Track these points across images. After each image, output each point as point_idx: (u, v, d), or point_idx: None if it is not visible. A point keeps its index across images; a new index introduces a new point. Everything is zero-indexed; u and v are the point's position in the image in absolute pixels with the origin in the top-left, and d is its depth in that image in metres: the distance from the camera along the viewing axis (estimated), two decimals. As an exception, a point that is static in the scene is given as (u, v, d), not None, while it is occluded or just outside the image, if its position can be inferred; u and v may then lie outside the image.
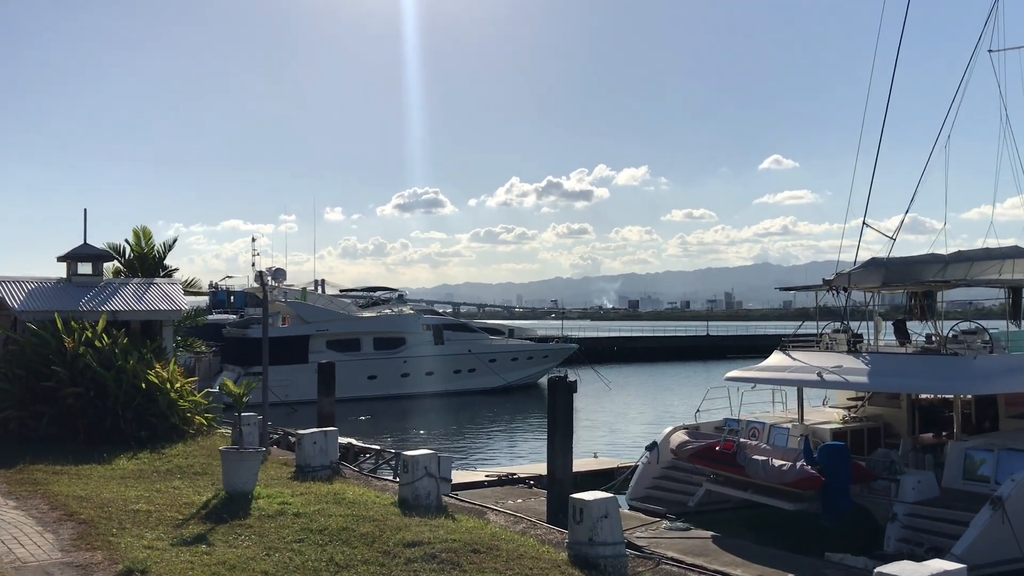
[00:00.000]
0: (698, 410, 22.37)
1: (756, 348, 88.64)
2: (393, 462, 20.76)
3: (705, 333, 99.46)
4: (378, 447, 22.63)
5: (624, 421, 39.98)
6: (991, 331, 19.28)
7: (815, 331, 22.49)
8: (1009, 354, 18.73)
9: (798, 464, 16.74)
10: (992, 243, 22.58)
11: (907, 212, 24.01)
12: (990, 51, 24.25)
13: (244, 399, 13.15)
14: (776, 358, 21.43)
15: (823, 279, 21.16)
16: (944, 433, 20.00)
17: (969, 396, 18.76)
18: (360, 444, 22.91)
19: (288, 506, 11.50)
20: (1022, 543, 14.73)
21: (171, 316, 22.55)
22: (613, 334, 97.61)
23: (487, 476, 22.38)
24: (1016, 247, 22.31)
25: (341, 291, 58.39)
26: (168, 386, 18.30)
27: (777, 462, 17.10)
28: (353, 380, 43.61)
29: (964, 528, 14.95)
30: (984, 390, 18.02)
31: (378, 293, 57.64)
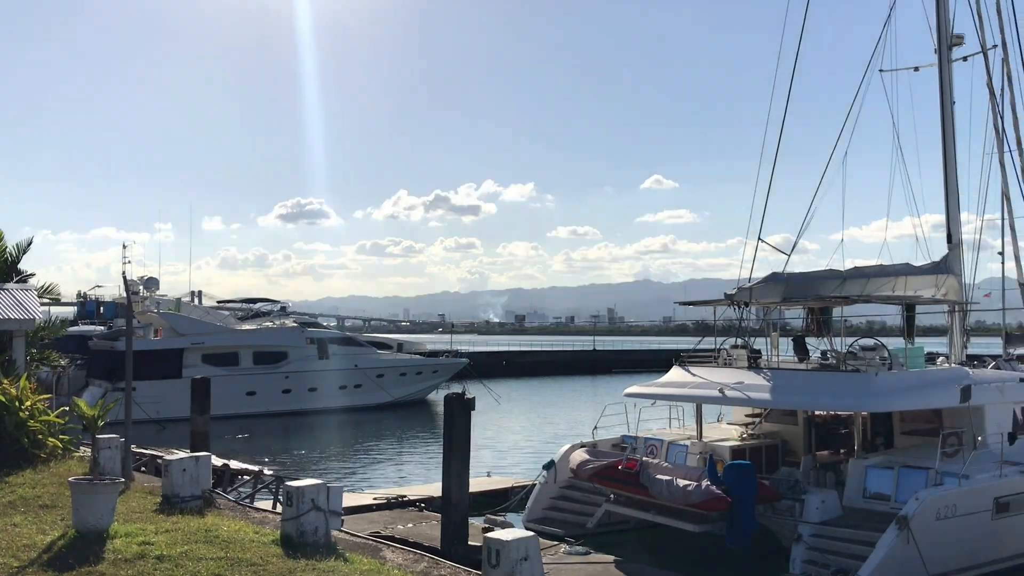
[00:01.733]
0: (596, 427, 21.65)
1: (641, 363, 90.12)
2: (273, 486, 19.22)
3: (592, 348, 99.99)
4: (257, 469, 21.01)
5: (516, 438, 39.12)
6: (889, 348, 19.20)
7: (713, 346, 22.10)
8: (907, 371, 18.66)
9: (704, 484, 16.13)
10: (886, 260, 22.65)
11: (802, 230, 23.96)
12: (881, 71, 24.53)
13: (100, 421, 11.48)
14: (675, 373, 20.92)
15: (724, 293, 20.76)
16: (842, 450, 19.87)
17: (866, 413, 18.64)
18: (237, 466, 21.24)
19: (150, 547, 9.90)
20: (928, 563, 14.47)
21: (23, 326, 20.43)
22: (502, 348, 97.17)
23: (375, 499, 21.08)
24: (908, 264, 22.52)
25: (219, 302, 55.86)
26: (17, 404, 16.29)
27: (682, 482, 16.45)
28: (230, 396, 41.46)
29: (870, 548, 14.60)
30: (887, 407, 17.88)
31: (259, 305, 55.23)
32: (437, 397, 55.36)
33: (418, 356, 57.84)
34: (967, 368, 20.42)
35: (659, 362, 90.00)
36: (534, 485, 20.65)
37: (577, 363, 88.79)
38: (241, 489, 19.24)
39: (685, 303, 23.13)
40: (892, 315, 22.59)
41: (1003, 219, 28.48)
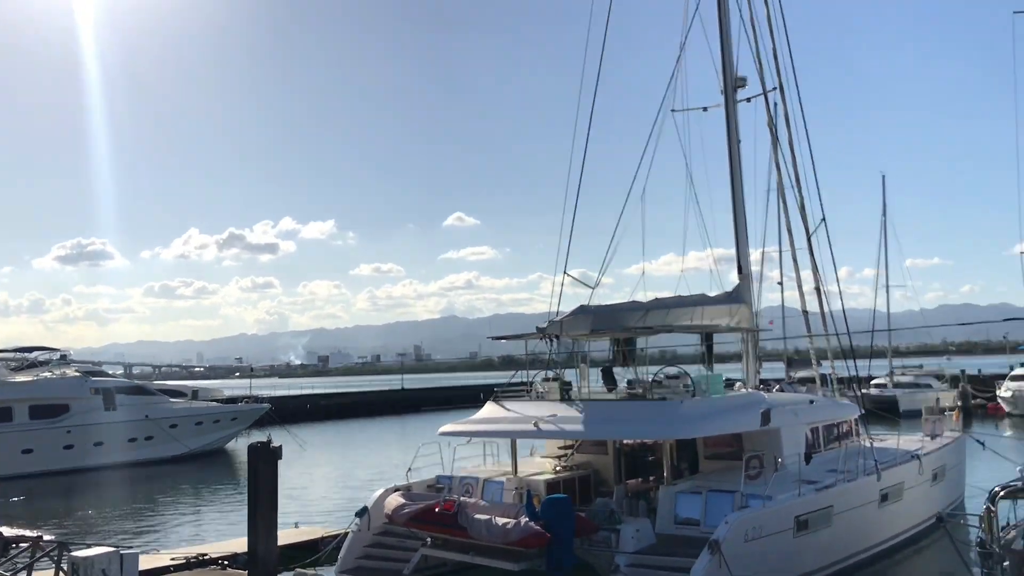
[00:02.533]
0: (410, 468, 21.05)
1: (450, 400, 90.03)
2: (56, 554, 17.33)
3: (400, 387, 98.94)
4: (35, 535, 18.90)
5: (325, 485, 37.70)
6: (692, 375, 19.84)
7: (525, 380, 22.11)
8: (709, 397, 19.33)
9: (522, 521, 15.93)
10: (683, 292, 23.52)
11: (605, 265, 24.49)
12: (673, 111, 25.67)
13: None
14: (489, 409, 20.74)
15: (536, 327, 20.87)
16: (651, 477, 20.29)
17: (673, 440, 19.16)
18: (11, 533, 19.04)
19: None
20: (739, 585, 14.85)
21: None
22: (305, 391, 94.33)
23: (174, 559, 19.48)
24: (704, 295, 23.48)
25: (-14, 353, 50.92)
26: None
27: (500, 520, 16.17)
28: (3, 455, 37.64)
29: (685, 574, 14.83)
30: (694, 433, 18.41)
31: (35, 354, 50.64)
32: (238, 446, 52.76)
33: (215, 403, 55.03)
34: (762, 392, 21.46)
35: (468, 398, 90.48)
36: (346, 534, 19.76)
37: (385, 403, 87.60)
38: (17, 560, 17.23)
39: (497, 338, 23.09)
40: (686, 344, 23.53)
41: (780, 250, 30.53)
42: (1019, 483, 13.71)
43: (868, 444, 20.70)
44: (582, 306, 21.13)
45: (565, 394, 20.28)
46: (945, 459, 24.01)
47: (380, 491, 20.22)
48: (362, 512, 19.61)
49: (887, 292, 70.10)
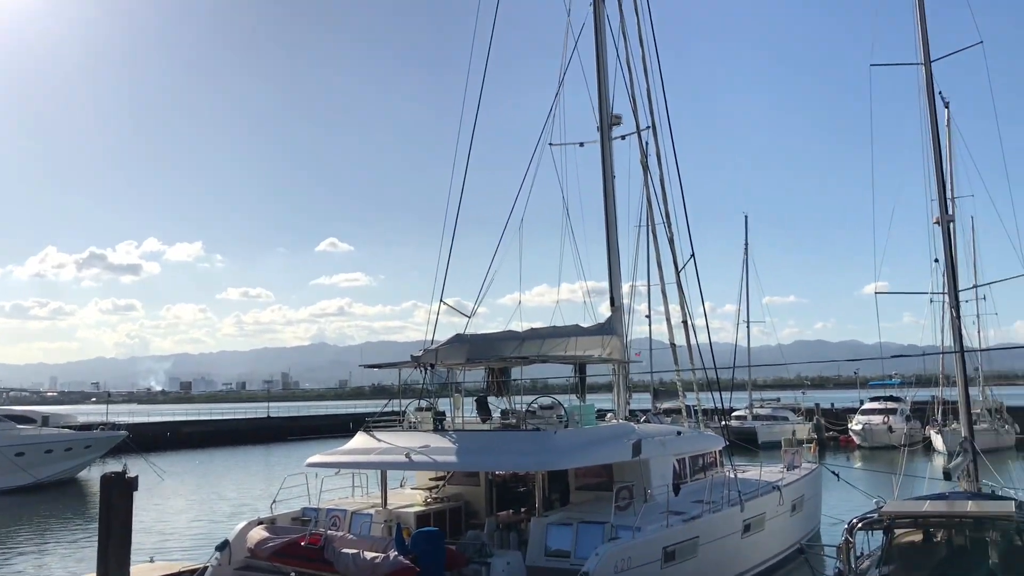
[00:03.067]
0: (274, 500, 20.34)
1: (318, 429, 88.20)
2: None
3: (266, 415, 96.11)
4: None
5: (184, 517, 36.03)
6: (565, 406, 19.95)
7: (396, 410, 21.76)
8: (582, 427, 19.46)
9: (392, 555, 15.55)
10: (557, 322, 23.73)
11: (481, 295, 24.48)
12: (551, 144, 26.02)
13: None
14: (360, 440, 20.26)
15: (411, 356, 20.56)
16: (523, 509, 20.22)
17: (544, 472, 19.15)
18: None
19: None
20: (611, 617, 14.90)
21: None
22: (165, 418, 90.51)
23: (14, 600, 18.18)
24: (577, 326, 23.72)
25: None
26: None
27: (369, 555, 15.74)
28: None
29: (558, 609, 14.79)
30: (567, 464, 18.41)
31: None
32: (91, 475, 50.01)
33: (67, 430, 52.04)
34: (632, 423, 21.77)
35: (336, 427, 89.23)
36: (205, 568, 18.86)
37: (250, 431, 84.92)
38: None
39: (370, 366, 22.63)
40: (556, 376, 23.69)
41: (649, 284, 31.27)
42: (875, 515, 14.27)
43: (732, 475, 21.22)
44: (458, 335, 20.99)
45: (438, 424, 20.04)
46: (803, 490, 24.91)
47: (242, 524, 19.43)
48: (223, 546, 18.77)
49: (748, 327, 72.91)
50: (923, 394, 74.68)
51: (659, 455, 19.94)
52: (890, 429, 61.36)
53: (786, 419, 67.76)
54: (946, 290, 19.00)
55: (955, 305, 18.60)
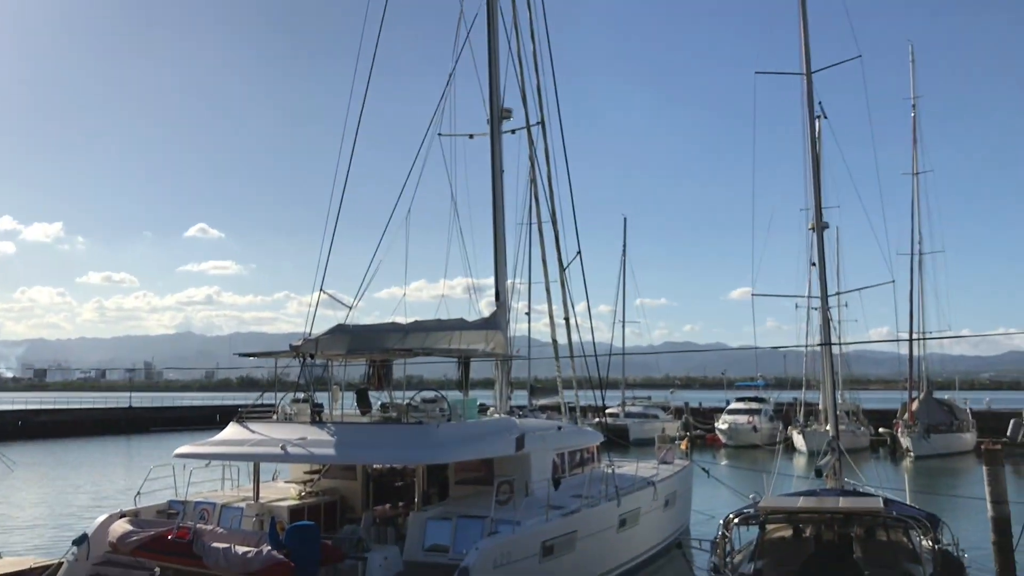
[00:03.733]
0: (139, 492, 19.38)
1: (183, 420, 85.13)
2: None
3: (128, 405, 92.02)
4: None
5: (37, 510, 34.01)
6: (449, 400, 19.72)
7: (272, 402, 21.05)
8: (465, 422, 19.29)
9: (265, 549, 15.00)
10: (443, 316, 23.43)
11: (366, 284, 23.93)
12: (440, 135, 25.70)
13: None
14: (232, 431, 19.50)
15: (290, 345, 19.89)
16: (401, 503, 19.91)
17: (424, 465, 18.90)
18: None
19: None
20: (487, 612, 14.79)
21: None
22: (16, 407, 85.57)
23: None
24: (462, 320, 23.53)
25: None
26: None
27: (241, 549, 15.12)
28: None
29: (433, 603, 14.57)
30: (450, 458, 18.20)
31: None
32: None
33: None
34: (514, 418, 21.75)
35: (202, 418, 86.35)
36: (60, 564, 17.78)
37: (110, 421, 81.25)
38: None
39: (246, 354, 21.78)
40: (432, 372, 23.42)
41: (530, 282, 31.37)
42: (751, 510, 14.64)
43: (609, 470, 21.45)
44: (340, 325, 20.45)
45: (316, 416, 19.48)
46: (676, 486, 25.45)
47: (103, 517, 18.43)
48: (81, 540, 17.74)
49: (623, 327, 74.40)
50: (785, 396, 78.01)
51: (540, 449, 19.98)
52: (754, 429, 63.74)
53: (656, 417, 69.48)
54: (820, 293, 19.74)
55: (826, 307, 19.32)
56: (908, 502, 19.44)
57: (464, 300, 26.05)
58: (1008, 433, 49.67)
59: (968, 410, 63.27)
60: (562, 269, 25.44)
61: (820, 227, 19.55)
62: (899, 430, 55.91)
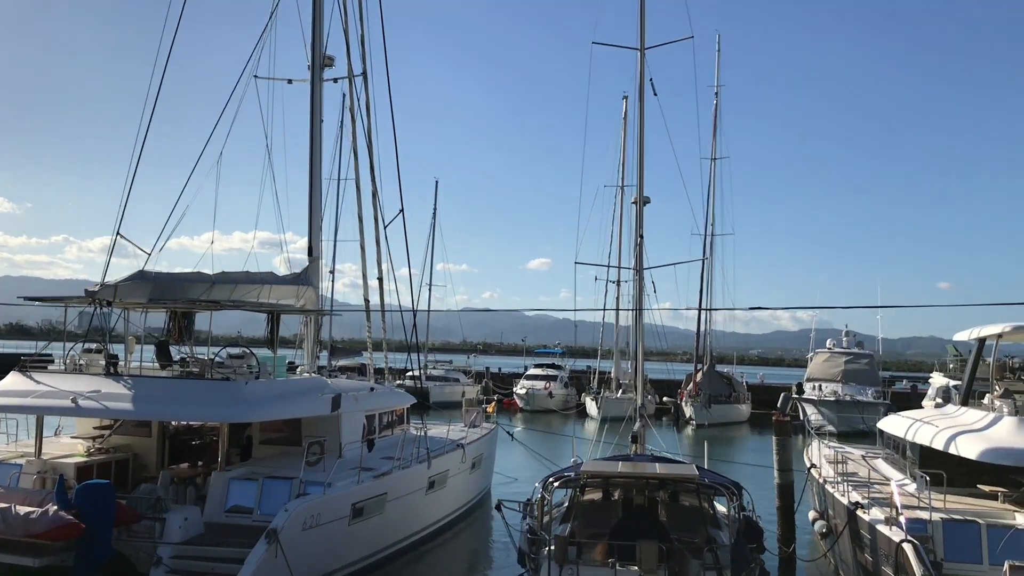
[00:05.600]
0: None
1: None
2: None
3: None
4: None
5: None
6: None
7: (62, 352, 19.37)
8: (275, 379, 18.54)
9: (51, 509, 13.81)
10: (253, 269, 22.34)
11: (170, 231, 22.40)
12: (256, 77, 24.39)
13: None
14: (13, 380, 17.79)
15: (85, 290, 18.27)
16: (200, 463, 18.97)
17: (227, 424, 18.03)
18: None
19: None
20: (296, 573, 14.34)
21: None
22: None
23: None
24: (273, 274, 22.57)
25: None
26: None
27: (23, 509, 13.88)
28: None
29: (235, 566, 13.93)
30: (260, 416, 17.43)
31: None
32: None
33: None
34: (325, 377, 21.16)
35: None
36: None
37: None
38: None
39: (33, 299, 19.88)
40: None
41: (336, 240, 30.48)
42: (571, 474, 14.91)
43: (420, 432, 21.30)
44: (141, 271, 18.99)
45: (111, 368, 18.11)
46: (483, 449, 25.73)
47: None
48: None
49: (429, 291, 74.41)
50: (579, 364, 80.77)
51: (352, 410, 19.56)
52: (550, 394, 65.61)
53: (457, 381, 70.09)
54: (635, 265, 20.35)
55: (642, 279, 19.96)
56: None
57: (261, 256, 24.94)
58: (778, 405, 53.51)
59: (744, 383, 67.94)
60: (384, 226, 24.88)
61: (642, 201, 20.11)
62: (683, 399, 59.18)
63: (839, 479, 18.24)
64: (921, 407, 30.37)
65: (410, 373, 68.02)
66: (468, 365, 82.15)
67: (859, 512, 15.47)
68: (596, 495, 16.30)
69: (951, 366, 50.00)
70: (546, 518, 15.02)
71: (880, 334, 68.09)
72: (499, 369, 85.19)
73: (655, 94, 20.14)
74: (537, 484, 15.33)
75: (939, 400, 31.40)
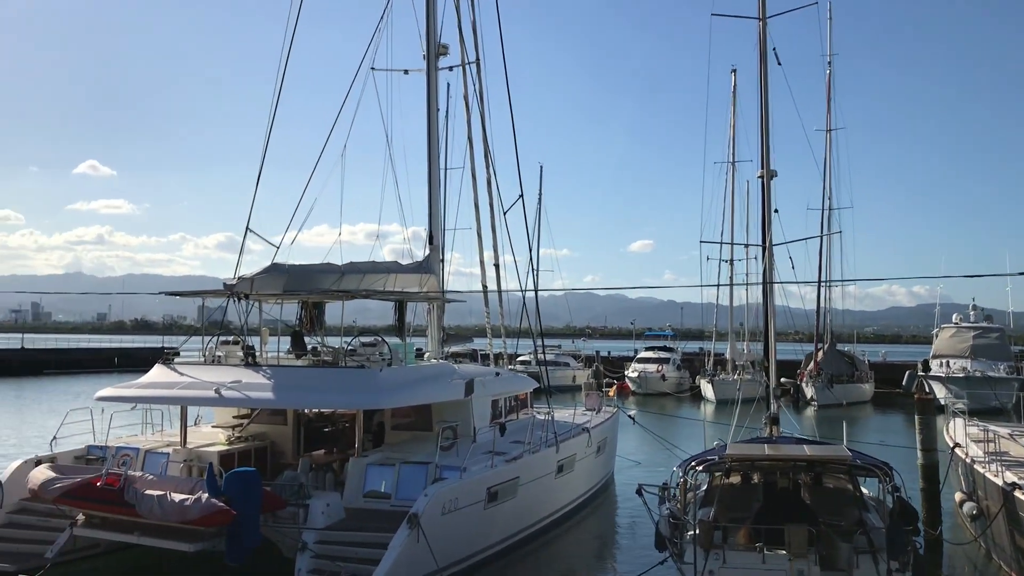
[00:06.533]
0: (55, 437, 18.34)
1: (79, 363, 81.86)
2: None
3: (20, 347, 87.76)
4: None
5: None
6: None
7: (201, 344, 20.05)
8: (406, 366, 18.77)
9: (204, 497, 14.28)
10: (377, 259, 22.72)
11: (301, 223, 22.95)
12: (373, 69, 24.71)
13: None
14: (159, 373, 18.52)
15: (224, 283, 18.87)
16: (335, 449, 19.36)
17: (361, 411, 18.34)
18: None
19: None
20: (437, 558, 14.47)
21: None
22: None
23: None
24: (396, 263, 22.89)
25: None
26: None
27: (178, 497, 14.37)
28: None
29: (378, 550, 14.13)
30: (396, 402, 17.70)
31: None
32: None
33: None
34: (452, 363, 21.33)
35: (99, 361, 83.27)
36: None
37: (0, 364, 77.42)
38: None
39: (173, 293, 20.65)
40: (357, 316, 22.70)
41: (443, 229, 30.55)
42: (715, 457, 14.60)
43: (545, 417, 21.26)
44: (275, 264, 19.52)
45: (250, 358, 18.64)
46: (606, 432, 25.56)
47: (17, 463, 17.40)
48: None
49: (536, 276, 74.44)
50: (691, 346, 79.60)
51: (482, 395, 19.67)
52: (663, 377, 64.91)
53: (567, 365, 70.05)
54: (763, 243, 19.78)
55: (771, 255, 19.39)
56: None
57: (366, 246, 25.25)
58: (903, 383, 51.72)
59: (867, 361, 65.74)
60: (501, 213, 24.92)
61: (768, 176, 19.50)
62: (803, 380, 57.67)
63: (990, 459, 17.37)
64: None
65: (520, 358, 68.46)
66: (577, 349, 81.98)
67: (1017, 494, 14.70)
68: (735, 479, 15.92)
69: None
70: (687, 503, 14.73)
71: (1011, 307, 64.89)
72: (608, 352, 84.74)
73: (779, 63, 19.41)
74: (676, 468, 15.06)
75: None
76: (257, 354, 19.50)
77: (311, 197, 22.37)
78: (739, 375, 58.49)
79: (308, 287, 19.70)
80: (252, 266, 20.24)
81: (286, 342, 21.04)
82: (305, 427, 20.14)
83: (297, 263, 20.88)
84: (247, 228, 21.68)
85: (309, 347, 20.89)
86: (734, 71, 61.18)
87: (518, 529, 18.13)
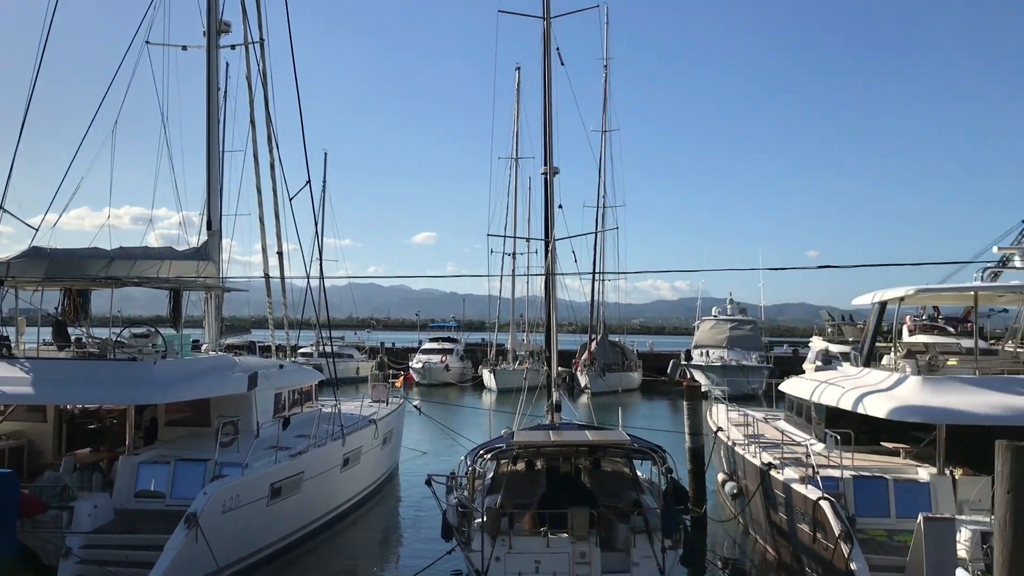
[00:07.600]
0: None
1: None
2: None
3: None
4: None
5: None
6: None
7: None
8: (182, 359, 17.82)
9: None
10: (151, 244, 21.41)
11: (66, 204, 21.19)
12: (148, 43, 23.26)
13: None
14: None
15: (-28, 269, 17.05)
16: (102, 447, 18.11)
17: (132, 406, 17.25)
18: None
19: None
20: (218, 557, 13.91)
21: None
22: None
23: None
24: (172, 248, 21.64)
25: None
26: None
27: (-82, 505, 12.93)
28: None
29: (155, 552, 13.37)
30: (175, 396, 16.63)
31: None
32: None
33: None
34: (231, 356, 20.49)
35: None
36: None
37: None
38: None
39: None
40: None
41: (220, 213, 29.39)
42: (503, 445, 14.83)
43: (332, 409, 20.85)
44: (35, 247, 17.89)
45: (5, 350, 17.05)
46: (393, 423, 25.47)
47: None
48: None
49: (321, 266, 72.90)
50: (474, 337, 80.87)
51: (265, 388, 19.02)
52: (447, 368, 65.54)
53: (351, 356, 69.18)
54: (545, 237, 20.35)
55: (554, 250, 19.97)
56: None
57: (133, 231, 23.94)
58: (668, 372, 54.97)
59: (636, 351, 69.39)
60: (289, 199, 24.12)
61: (552, 172, 20.08)
62: (578, 369, 60.04)
63: (748, 441, 18.79)
64: (803, 370, 31.64)
65: (302, 350, 66.86)
66: (361, 340, 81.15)
67: (772, 472, 15.96)
68: (519, 465, 16.32)
69: (828, 330, 52.30)
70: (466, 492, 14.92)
71: (762, 301, 70.54)
72: (393, 344, 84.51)
73: (562, 63, 20.04)
74: (464, 457, 15.24)
75: (819, 363, 32.73)
76: (12, 345, 17.88)
77: (76, 176, 20.73)
78: (525, 365, 60.07)
79: (74, 273, 18.22)
80: (5, 250, 18.55)
81: (46, 333, 19.40)
82: (68, 424, 18.72)
83: (59, 247, 19.32)
84: (1, 207, 19.78)
85: (73, 338, 19.39)
86: (518, 69, 62.66)
87: (303, 524, 17.73)
